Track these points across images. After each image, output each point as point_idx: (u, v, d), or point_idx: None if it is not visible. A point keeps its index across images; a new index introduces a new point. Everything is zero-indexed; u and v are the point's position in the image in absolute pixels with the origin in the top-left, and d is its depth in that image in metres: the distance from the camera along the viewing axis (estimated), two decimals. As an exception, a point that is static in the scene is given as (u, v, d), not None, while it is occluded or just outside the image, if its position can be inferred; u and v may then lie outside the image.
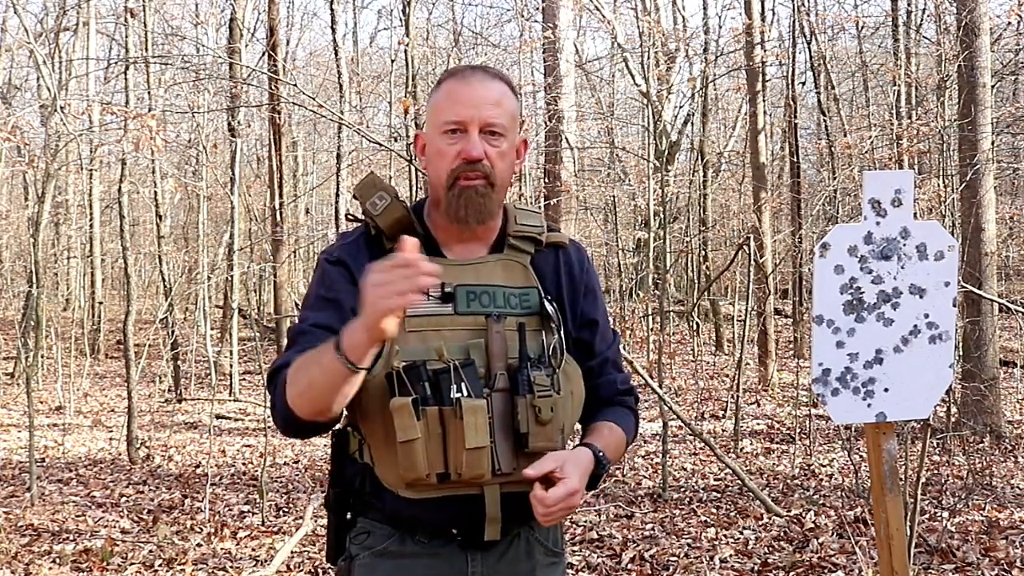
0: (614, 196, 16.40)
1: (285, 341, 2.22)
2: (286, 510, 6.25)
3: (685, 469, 7.18)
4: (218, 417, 8.47)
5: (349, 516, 1.72)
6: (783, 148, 17.09)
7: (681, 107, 15.88)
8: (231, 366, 11.82)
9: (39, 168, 10.38)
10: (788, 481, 6.60)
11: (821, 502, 5.89)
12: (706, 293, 14.04)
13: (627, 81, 18.49)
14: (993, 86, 8.47)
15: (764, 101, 12.16)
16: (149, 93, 12.77)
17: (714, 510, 5.85)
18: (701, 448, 7.63)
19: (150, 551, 5.22)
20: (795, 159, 12.50)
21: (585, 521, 5.66)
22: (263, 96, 12.72)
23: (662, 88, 13.50)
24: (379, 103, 17.82)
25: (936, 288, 2.14)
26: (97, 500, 6.68)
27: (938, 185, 9.23)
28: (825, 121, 14.58)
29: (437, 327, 1.62)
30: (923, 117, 10.56)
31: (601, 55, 21.28)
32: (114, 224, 18.17)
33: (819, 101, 14.69)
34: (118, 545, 5.35)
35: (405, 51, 8.64)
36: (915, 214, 2.16)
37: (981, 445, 7.23)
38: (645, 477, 6.91)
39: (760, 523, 5.48)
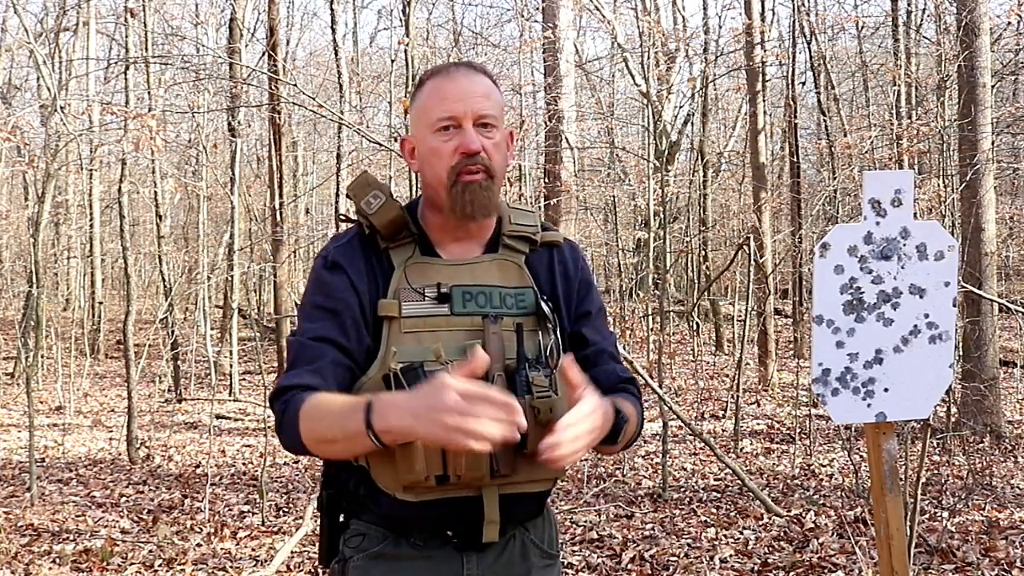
0: (614, 196, 16.40)
1: (285, 347, 2.20)
2: (286, 510, 6.25)
3: (685, 469, 7.18)
4: (218, 417, 8.47)
5: (342, 518, 1.69)
6: (783, 148, 17.10)
7: (681, 107, 15.88)
8: (231, 366, 11.83)
9: (39, 168, 10.37)
10: (788, 481, 6.60)
11: (821, 502, 5.89)
12: (706, 293, 14.05)
13: (627, 81, 18.50)
14: (993, 86, 8.46)
15: (764, 101, 12.17)
16: (149, 93, 12.77)
17: (714, 510, 5.85)
18: (701, 448, 7.63)
19: (150, 551, 5.22)
20: (795, 159, 12.51)
21: (585, 521, 5.66)
22: (263, 96, 12.72)
23: (662, 88, 13.50)
24: (379, 103, 17.82)
25: (936, 288, 2.14)
26: (97, 500, 6.68)
27: (938, 185, 9.23)
28: (825, 121, 14.59)
29: (434, 328, 1.60)
30: (923, 117, 10.56)
31: (601, 55, 21.30)
32: (114, 224, 18.18)
33: (819, 101, 14.70)
34: (118, 545, 5.35)
35: (405, 51, 8.64)
36: (915, 214, 2.17)
37: (981, 445, 7.23)
38: (645, 477, 6.91)
39: (760, 523, 5.48)
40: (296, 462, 7.91)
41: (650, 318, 11.23)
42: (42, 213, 9.32)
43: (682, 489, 6.46)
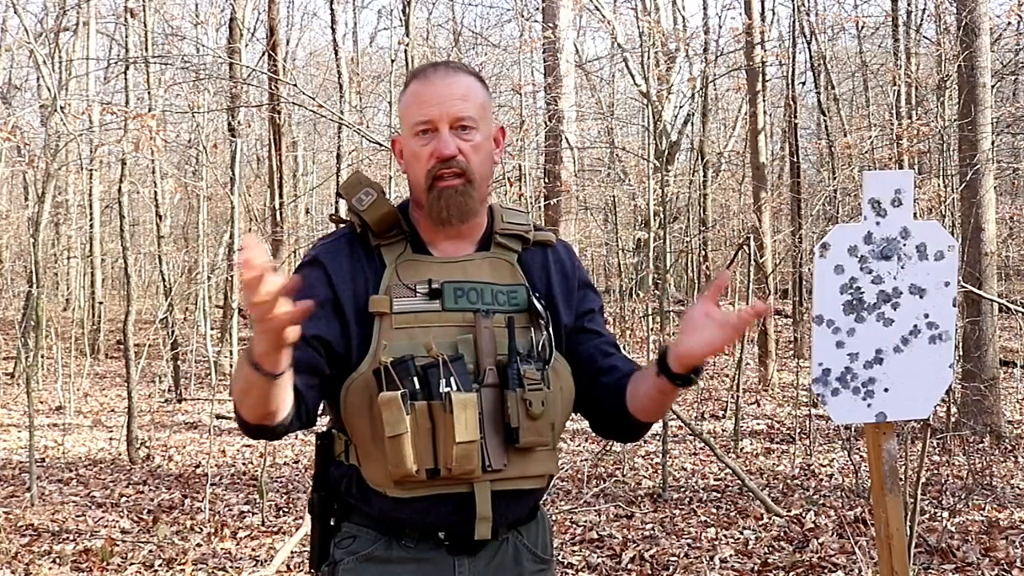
0: (614, 196, 16.40)
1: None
2: (286, 510, 6.25)
3: (685, 469, 7.18)
4: (218, 417, 8.46)
5: (333, 522, 1.69)
6: (783, 148, 17.09)
7: (681, 107, 15.85)
8: (231, 366, 11.82)
9: (39, 168, 10.37)
10: (788, 481, 6.60)
11: (821, 502, 5.89)
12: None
13: (627, 81, 18.49)
14: (993, 86, 8.47)
15: (764, 101, 12.16)
16: (149, 93, 12.77)
17: (714, 510, 5.85)
18: (701, 448, 7.63)
19: (150, 551, 5.22)
20: (795, 159, 12.50)
21: (585, 521, 5.66)
22: (263, 96, 12.72)
23: (662, 88, 13.47)
24: (379, 103, 17.79)
25: (936, 288, 2.14)
26: (97, 500, 6.67)
27: (938, 185, 9.23)
28: (825, 121, 14.57)
29: (425, 323, 1.60)
30: (923, 117, 10.56)
31: (601, 55, 21.30)
32: (114, 224, 18.17)
33: (819, 101, 14.68)
34: (118, 545, 5.35)
35: (405, 51, 8.65)
36: (915, 214, 2.17)
37: (981, 445, 7.23)
38: (645, 477, 6.91)
39: (760, 523, 5.48)
40: (296, 462, 7.91)
41: (650, 318, 11.21)
42: (42, 213, 9.33)
43: (682, 489, 6.46)
